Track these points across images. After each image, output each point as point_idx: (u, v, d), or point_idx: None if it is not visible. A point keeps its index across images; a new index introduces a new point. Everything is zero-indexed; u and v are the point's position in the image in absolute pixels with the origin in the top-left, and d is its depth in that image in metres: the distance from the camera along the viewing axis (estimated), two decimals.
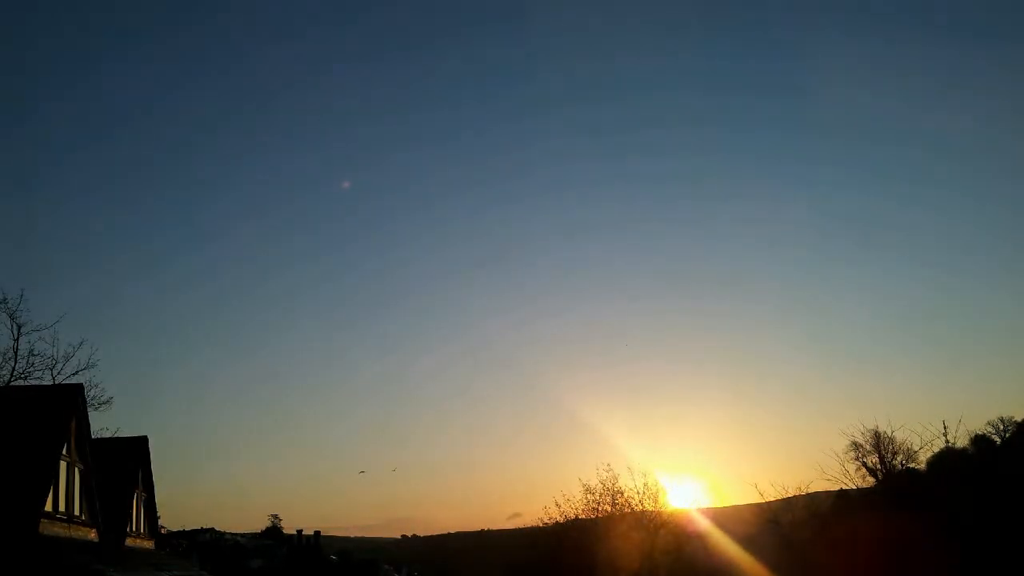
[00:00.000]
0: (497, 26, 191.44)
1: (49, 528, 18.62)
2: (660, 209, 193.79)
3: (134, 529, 27.24)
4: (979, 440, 39.82)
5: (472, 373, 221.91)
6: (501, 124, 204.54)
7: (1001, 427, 44.76)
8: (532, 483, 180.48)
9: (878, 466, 37.29)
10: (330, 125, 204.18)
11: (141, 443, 28.78)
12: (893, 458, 37.16)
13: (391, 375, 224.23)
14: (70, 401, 21.00)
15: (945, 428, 35.16)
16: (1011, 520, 29.26)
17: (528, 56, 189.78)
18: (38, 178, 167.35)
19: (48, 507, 18.76)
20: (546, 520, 46.66)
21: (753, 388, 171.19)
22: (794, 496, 40.89)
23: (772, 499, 41.05)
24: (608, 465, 44.11)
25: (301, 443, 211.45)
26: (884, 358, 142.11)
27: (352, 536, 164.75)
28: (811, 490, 41.74)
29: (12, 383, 27.27)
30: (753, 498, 42.84)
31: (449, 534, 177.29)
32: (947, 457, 35.81)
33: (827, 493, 41.97)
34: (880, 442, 37.10)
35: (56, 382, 27.62)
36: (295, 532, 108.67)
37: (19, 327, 27.79)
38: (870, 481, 37.55)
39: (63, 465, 19.81)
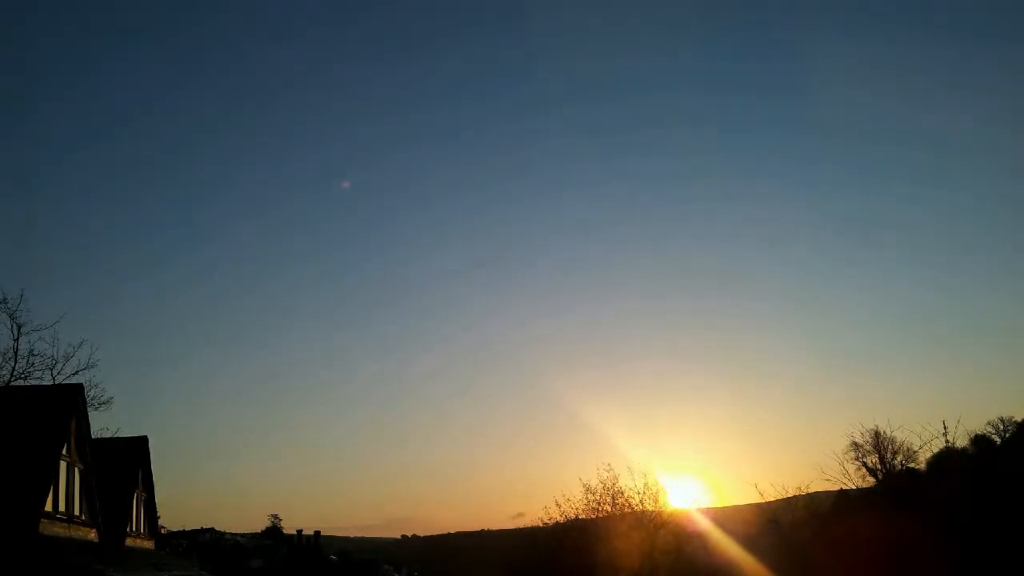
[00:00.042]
0: (497, 26, 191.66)
1: (49, 528, 18.63)
2: (660, 209, 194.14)
3: (134, 529, 27.25)
4: (979, 440, 39.82)
5: (472, 373, 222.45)
6: (501, 124, 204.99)
7: (1001, 427, 44.79)
8: (532, 483, 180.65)
9: (878, 466, 37.29)
10: (330, 125, 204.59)
11: (141, 443, 28.80)
12: (893, 458, 37.16)
13: (391, 375, 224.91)
14: (70, 401, 21.00)
15: (945, 428, 35.11)
16: (1011, 520, 29.23)
17: (528, 56, 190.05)
18: (38, 178, 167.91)
19: (48, 507, 18.77)
20: (546, 520, 46.68)
21: (753, 388, 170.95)
22: (794, 496, 40.86)
23: (772, 499, 41.07)
24: (608, 465, 44.05)
25: (301, 443, 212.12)
26: (884, 358, 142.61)
27: (352, 536, 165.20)
28: (811, 490, 41.77)
29: (12, 383, 27.26)
30: (753, 498, 42.88)
31: (449, 534, 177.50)
32: (947, 457, 35.77)
33: (827, 493, 41.96)
34: (880, 442, 37.10)
35: (56, 382, 27.61)
36: (295, 532, 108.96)
37: (19, 327, 27.82)
38: (870, 481, 37.54)
39: (63, 465, 19.82)
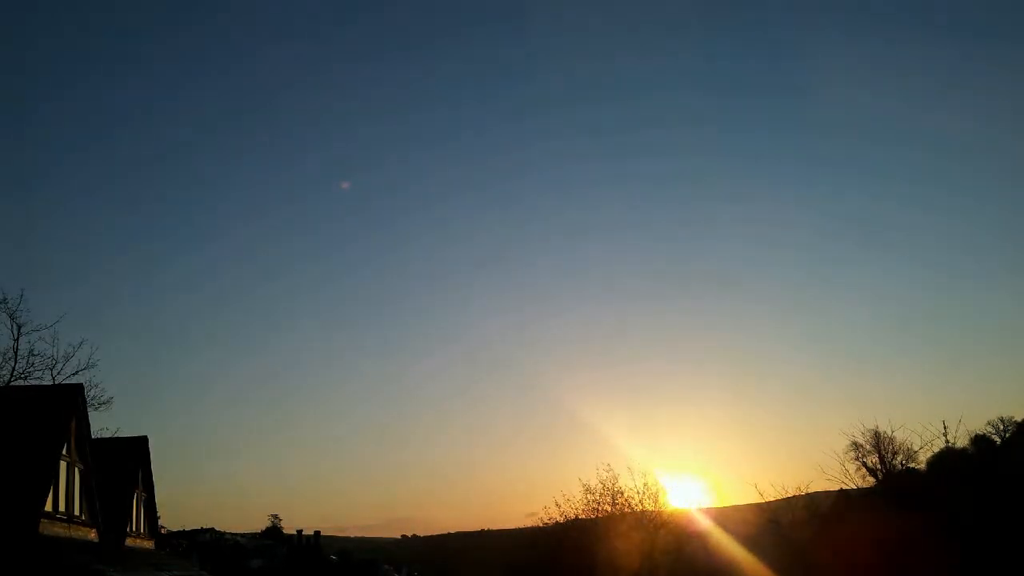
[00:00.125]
0: (497, 26, 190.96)
1: (49, 528, 18.63)
2: (660, 209, 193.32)
3: (134, 529, 27.25)
4: (979, 440, 39.76)
5: (472, 373, 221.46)
6: (501, 124, 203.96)
7: (1001, 427, 44.69)
8: (532, 483, 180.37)
9: (878, 466, 37.31)
10: (330, 125, 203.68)
11: (141, 443, 28.80)
12: (893, 458, 37.18)
13: (391, 375, 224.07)
14: (70, 401, 21.01)
15: (945, 428, 35.19)
16: (1011, 520, 29.25)
17: (528, 56, 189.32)
18: (38, 178, 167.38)
19: (48, 507, 18.77)
20: (546, 520, 46.74)
21: (753, 388, 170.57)
22: (794, 496, 40.94)
23: (772, 499, 41.15)
24: (608, 465, 44.11)
25: (301, 443, 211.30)
26: (884, 358, 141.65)
27: (352, 536, 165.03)
28: (811, 490, 41.85)
29: (12, 383, 27.26)
30: (753, 498, 42.96)
31: (449, 534, 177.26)
32: (947, 457, 35.79)
33: (827, 493, 41.98)
34: (880, 442, 37.13)
35: (56, 382, 27.61)
36: (295, 532, 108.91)
37: (19, 327, 27.82)
38: (870, 481, 37.58)
39: (63, 465, 19.82)
